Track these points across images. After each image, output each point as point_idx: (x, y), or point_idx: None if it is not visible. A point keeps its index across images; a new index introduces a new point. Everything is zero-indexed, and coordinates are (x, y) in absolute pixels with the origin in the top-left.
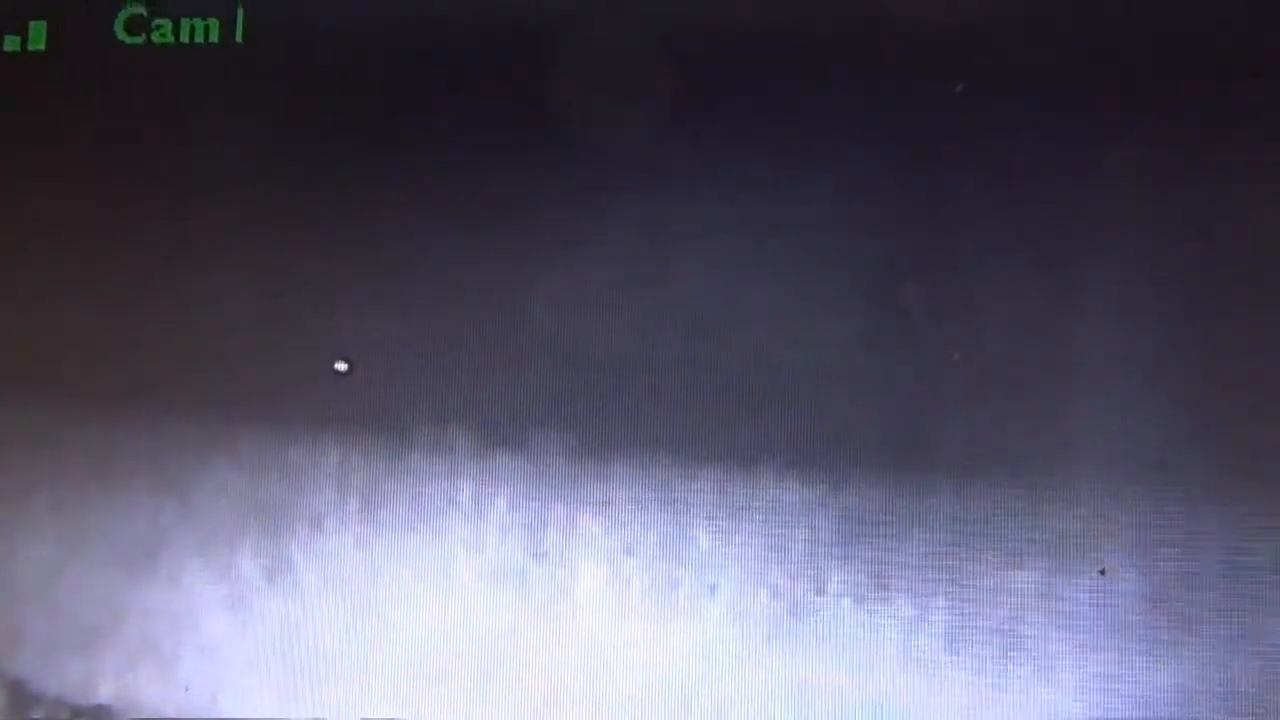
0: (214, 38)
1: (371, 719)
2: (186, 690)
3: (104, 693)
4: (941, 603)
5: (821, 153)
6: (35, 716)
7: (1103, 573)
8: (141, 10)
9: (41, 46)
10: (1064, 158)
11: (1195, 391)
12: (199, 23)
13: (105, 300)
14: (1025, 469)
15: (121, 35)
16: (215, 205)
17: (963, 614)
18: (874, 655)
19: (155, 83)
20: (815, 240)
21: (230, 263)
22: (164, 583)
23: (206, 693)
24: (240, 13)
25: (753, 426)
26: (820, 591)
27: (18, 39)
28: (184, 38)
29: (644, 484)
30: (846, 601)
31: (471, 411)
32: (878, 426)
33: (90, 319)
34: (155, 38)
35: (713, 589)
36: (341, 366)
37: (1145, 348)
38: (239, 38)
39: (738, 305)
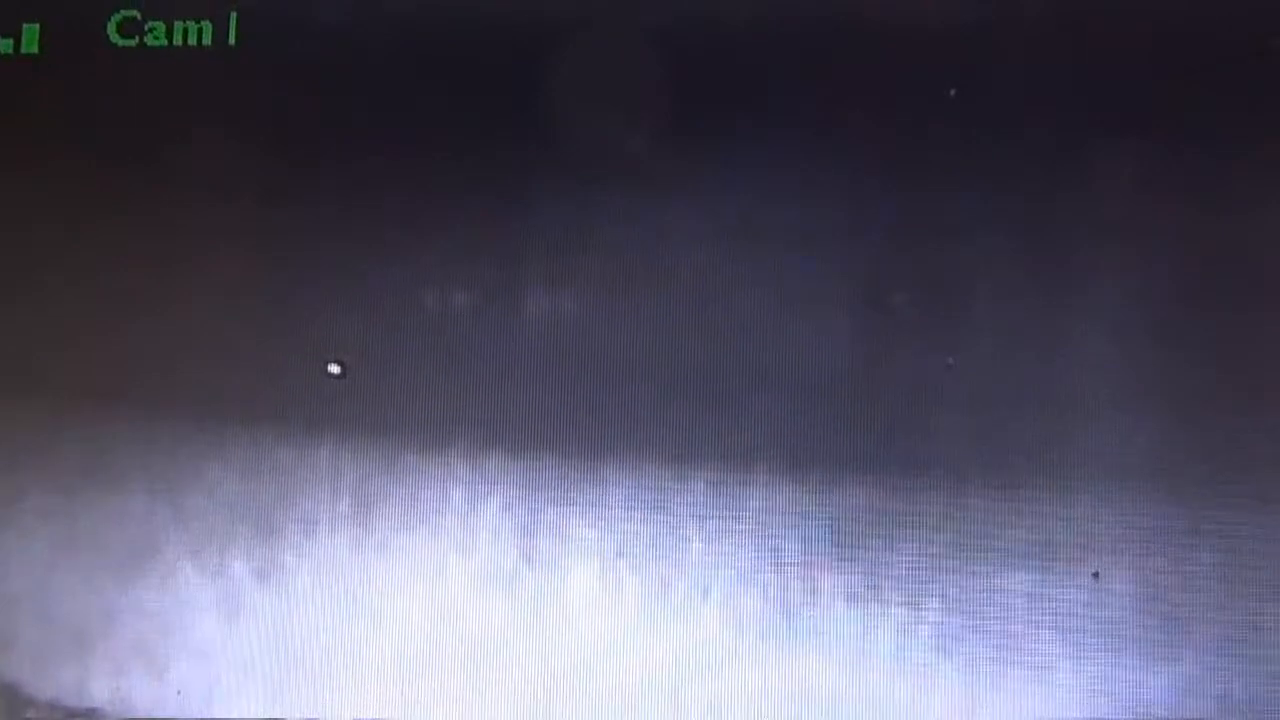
0: (207, 40)
1: (363, 719)
2: (179, 693)
3: (97, 696)
4: (934, 605)
5: (816, 157)
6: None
7: (1096, 576)
8: (134, 13)
9: (35, 49)
10: (1059, 162)
11: (1189, 394)
12: (192, 25)
13: (97, 301)
14: (1019, 472)
15: (114, 38)
16: (207, 207)
17: (956, 617)
18: (867, 658)
19: (148, 85)
20: (809, 244)
21: (222, 264)
22: (156, 585)
23: (199, 695)
24: (233, 15)
25: (746, 429)
26: (813, 594)
27: (10, 41)
28: (177, 40)
29: (636, 486)
30: (839, 604)
31: (464, 414)
32: (871, 429)
33: (81, 320)
34: (148, 40)
35: (705, 592)
36: (334, 369)
37: (1139, 351)
38: (232, 40)
39: (730, 308)
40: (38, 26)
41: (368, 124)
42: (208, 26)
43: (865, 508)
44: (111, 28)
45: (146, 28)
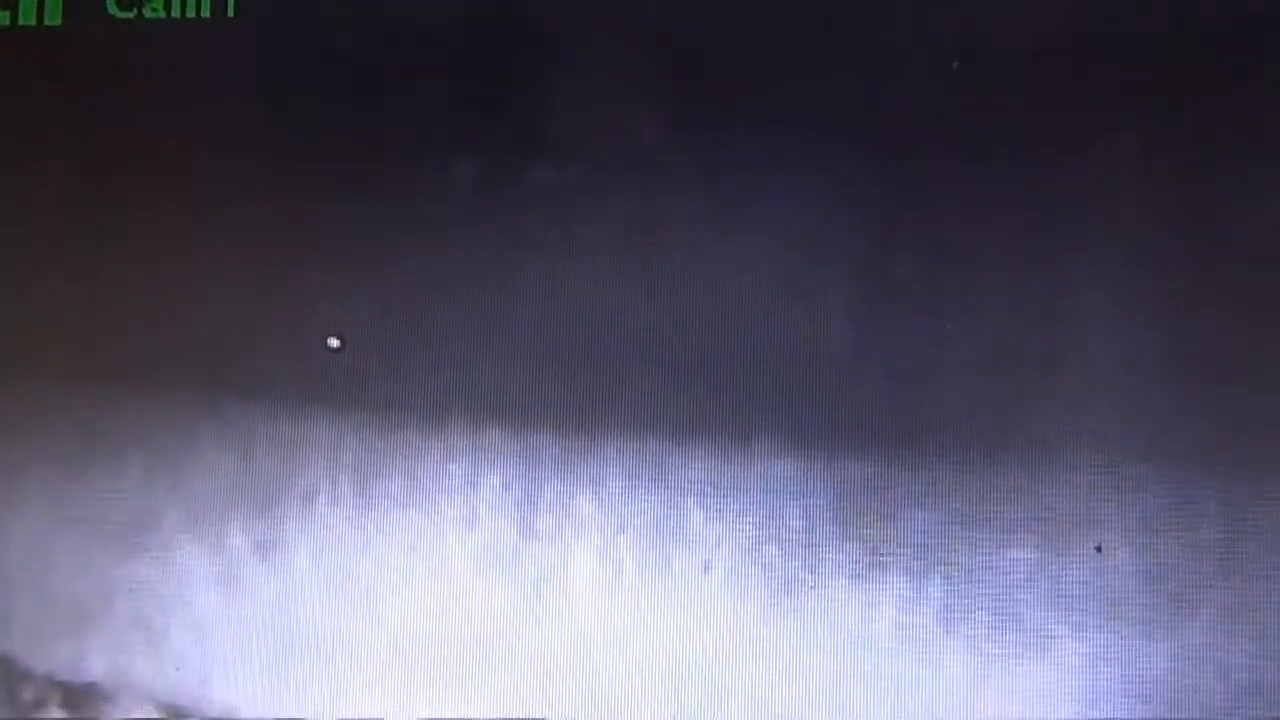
0: (205, 12)
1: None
2: (178, 668)
3: (94, 671)
4: (937, 580)
5: (815, 127)
6: (25, 695)
7: (1099, 549)
8: None
9: (32, 21)
10: (1062, 131)
11: (1193, 367)
12: None
13: (94, 275)
14: (1022, 445)
15: (113, 9)
16: (207, 181)
17: (959, 591)
18: (869, 633)
19: (147, 57)
20: (808, 215)
21: (222, 238)
22: (154, 560)
23: (198, 670)
24: None
25: (746, 403)
26: (815, 569)
27: (8, 13)
28: (175, 12)
29: (637, 462)
30: (841, 578)
31: (464, 389)
32: (873, 403)
33: (79, 294)
34: (147, 12)
35: (706, 567)
36: (334, 343)
37: (1142, 324)
38: (231, 12)
39: (731, 281)
40: None
41: (367, 97)
42: None
43: (867, 482)
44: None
45: None
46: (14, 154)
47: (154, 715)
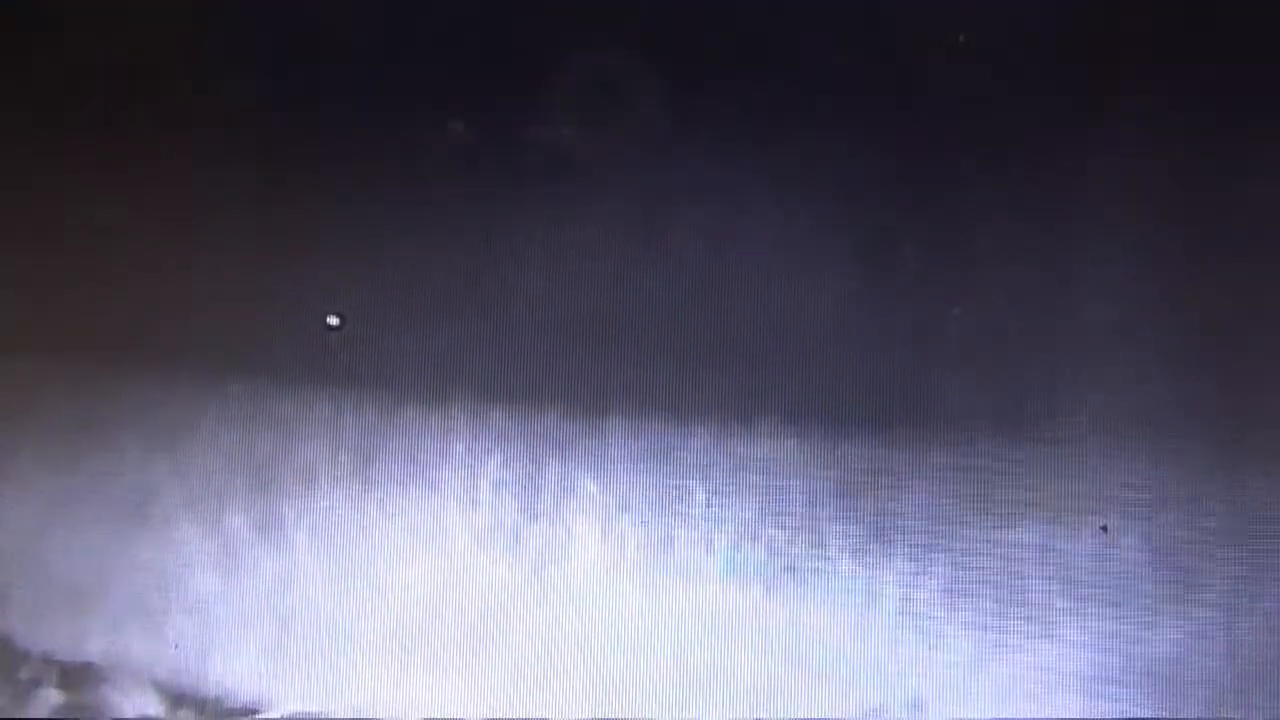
0: None
1: None
2: (175, 648)
3: (92, 650)
4: (941, 559)
5: (817, 109)
6: (22, 675)
7: (1105, 529)
8: None
9: None
10: (1066, 114)
11: (1197, 346)
12: None
13: (93, 252)
14: (1026, 424)
15: None
16: (207, 157)
17: (963, 570)
18: (872, 612)
19: (147, 30)
20: (812, 194)
21: (222, 214)
22: (153, 539)
23: (196, 650)
24: None
25: (750, 382)
26: (818, 548)
27: None
28: None
29: (639, 440)
30: (844, 558)
31: (466, 368)
32: (877, 381)
33: (77, 271)
34: None
35: (709, 546)
36: (333, 320)
37: (1147, 303)
38: None
39: (734, 261)
40: None
41: (370, 74)
42: None
43: (871, 460)
44: None
45: None
46: (16, 129)
47: (151, 695)
